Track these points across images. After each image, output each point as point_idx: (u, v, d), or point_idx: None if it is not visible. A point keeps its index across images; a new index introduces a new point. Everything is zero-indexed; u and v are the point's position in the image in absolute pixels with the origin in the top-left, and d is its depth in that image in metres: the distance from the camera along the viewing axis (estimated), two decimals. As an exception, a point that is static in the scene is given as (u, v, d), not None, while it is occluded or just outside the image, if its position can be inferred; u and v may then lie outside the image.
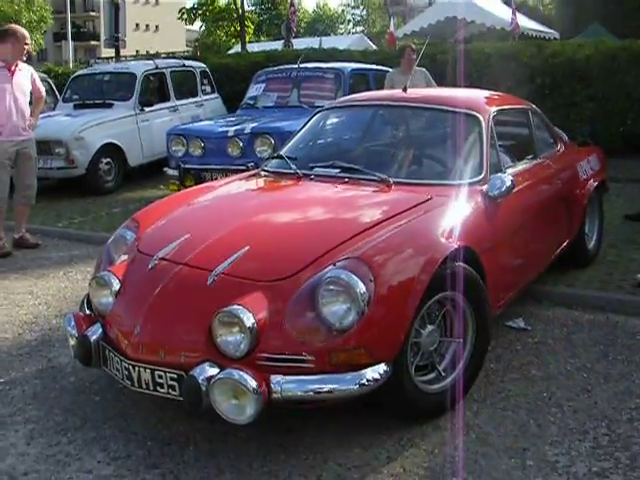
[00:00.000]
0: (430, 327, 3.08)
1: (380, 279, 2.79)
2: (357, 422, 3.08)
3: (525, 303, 4.53)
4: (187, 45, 61.60)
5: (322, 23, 63.34)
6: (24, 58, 6.38)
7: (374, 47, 24.64)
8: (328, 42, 19.91)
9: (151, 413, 3.20)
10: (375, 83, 8.91)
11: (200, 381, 2.62)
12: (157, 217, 3.72)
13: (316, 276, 2.82)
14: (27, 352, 4.03)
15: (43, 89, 6.67)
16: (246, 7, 31.92)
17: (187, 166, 7.51)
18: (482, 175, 3.80)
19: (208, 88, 11.38)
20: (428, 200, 3.48)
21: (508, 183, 3.66)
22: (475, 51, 10.87)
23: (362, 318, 2.70)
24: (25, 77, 6.32)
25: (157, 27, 66.75)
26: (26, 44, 6.32)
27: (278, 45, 21.35)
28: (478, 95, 4.84)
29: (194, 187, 4.77)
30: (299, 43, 20.82)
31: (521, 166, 4.41)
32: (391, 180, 3.73)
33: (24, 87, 6.29)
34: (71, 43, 37.36)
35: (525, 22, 18.38)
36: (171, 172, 7.75)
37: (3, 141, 6.13)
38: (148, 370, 2.80)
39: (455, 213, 3.43)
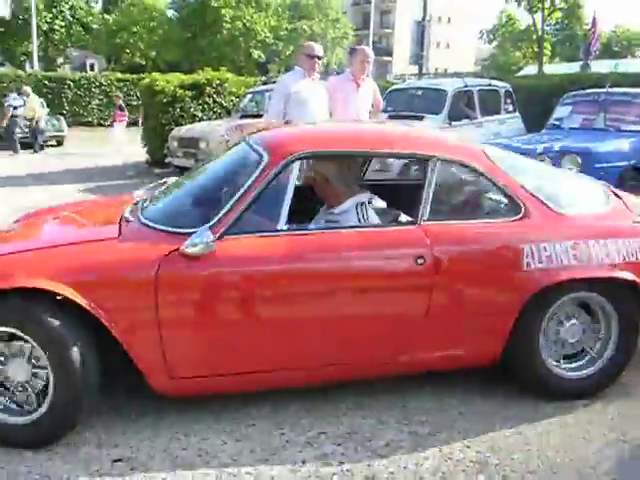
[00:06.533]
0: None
1: None
2: None
3: None
4: (475, 64, 62.31)
5: (619, 45, 60.60)
6: (367, 73, 7.41)
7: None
8: (627, 66, 19.37)
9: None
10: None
11: None
12: None
13: None
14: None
15: (382, 102, 7.74)
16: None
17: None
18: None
19: (510, 107, 11.94)
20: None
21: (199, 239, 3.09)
22: None
23: None
24: (368, 90, 7.39)
25: (448, 45, 68.27)
26: (367, 62, 7.32)
27: (574, 67, 21.22)
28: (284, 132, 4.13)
29: None
30: (595, 65, 20.53)
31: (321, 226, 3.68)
32: None
33: (366, 98, 7.37)
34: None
35: None
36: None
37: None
38: None
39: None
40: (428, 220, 3.44)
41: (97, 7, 47.70)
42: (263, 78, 22.44)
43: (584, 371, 3.74)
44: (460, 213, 3.70)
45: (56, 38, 42.66)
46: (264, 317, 3.27)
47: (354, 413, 3.56)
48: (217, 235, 3.16)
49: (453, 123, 10.58)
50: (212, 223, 3.20)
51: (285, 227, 3.33)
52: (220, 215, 3.23)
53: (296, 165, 3.43)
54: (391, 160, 7.20)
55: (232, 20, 44.46)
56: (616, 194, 4.18)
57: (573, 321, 3.68)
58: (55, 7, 41.41)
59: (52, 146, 20.32)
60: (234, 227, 3.23)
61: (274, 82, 13.42)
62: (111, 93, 27.06)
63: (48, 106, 22.61)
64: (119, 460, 3.12)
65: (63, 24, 42.26)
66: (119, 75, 31.00)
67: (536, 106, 12.01)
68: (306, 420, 3.48)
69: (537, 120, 10.13)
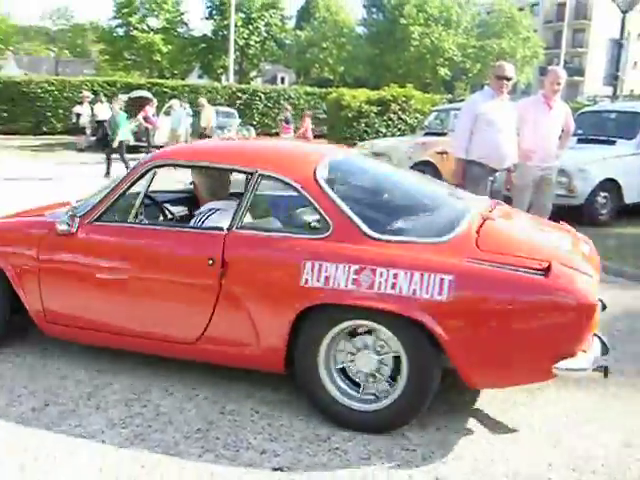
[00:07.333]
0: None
1: None
2: None
3: None
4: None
5: None
6: (559, 95, 7.20)
7: None
8: None
9: None
10: None
11: None
12: None
13: None
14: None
15: (573, 125, 7.47)
16: None
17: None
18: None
19: None
20: None
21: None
22: None
23: None
24: (560, 112, 7.17)
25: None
26: (558, 83, 7.08)
27: None
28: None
29: None
30: None
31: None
32: None
33: (558, 121, 7.15)
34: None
35: None
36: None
37: (532, 165, 7.06)
38: None
39: None
40: (239, 229, 3.74)
41: (290, 24, 49.62)
42: (449, 96, 22.36)
43: (372, 405, 3.52)
44: (272, 225, 4.05)
45: (251, 53, 44.87)
46: (102, 286, 4.01)
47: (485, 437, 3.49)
48: (87, 221, 4.04)
49: (648, 149, 9.99)
50: (84, 212, 4.09)
51: (135, 220, 4.07)
52: (91, 206, 4.12)
53: (151, 172, 4.09)
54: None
55: (420, 37, 44.69)
56: (479, 229, 3.60)
57: (366, 351, 3.49)
58: (252, 24, 43.57)
59: (241, 155, 21.28)
60: (103, 216, 4.06)
61: (460, 100, 13.31)
62: (299, 106, 28.07)
63: (239, 117, 23.84)
64: (279, 469, 3.20)
65: (258, 40, 44.36)
66: (307, 89, 32.08)
67: None
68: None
69: None
